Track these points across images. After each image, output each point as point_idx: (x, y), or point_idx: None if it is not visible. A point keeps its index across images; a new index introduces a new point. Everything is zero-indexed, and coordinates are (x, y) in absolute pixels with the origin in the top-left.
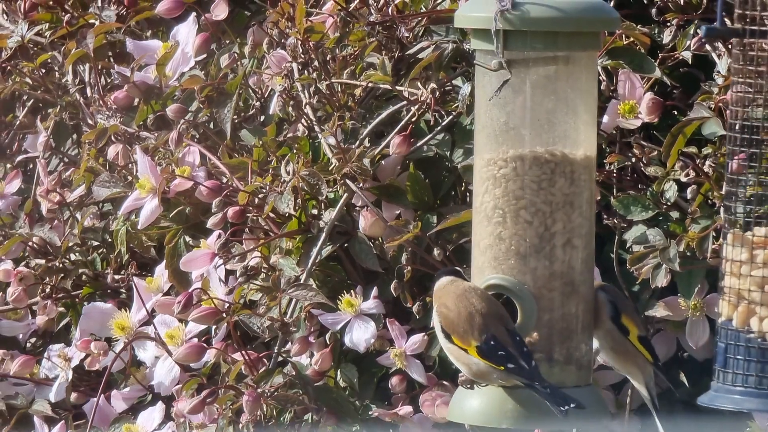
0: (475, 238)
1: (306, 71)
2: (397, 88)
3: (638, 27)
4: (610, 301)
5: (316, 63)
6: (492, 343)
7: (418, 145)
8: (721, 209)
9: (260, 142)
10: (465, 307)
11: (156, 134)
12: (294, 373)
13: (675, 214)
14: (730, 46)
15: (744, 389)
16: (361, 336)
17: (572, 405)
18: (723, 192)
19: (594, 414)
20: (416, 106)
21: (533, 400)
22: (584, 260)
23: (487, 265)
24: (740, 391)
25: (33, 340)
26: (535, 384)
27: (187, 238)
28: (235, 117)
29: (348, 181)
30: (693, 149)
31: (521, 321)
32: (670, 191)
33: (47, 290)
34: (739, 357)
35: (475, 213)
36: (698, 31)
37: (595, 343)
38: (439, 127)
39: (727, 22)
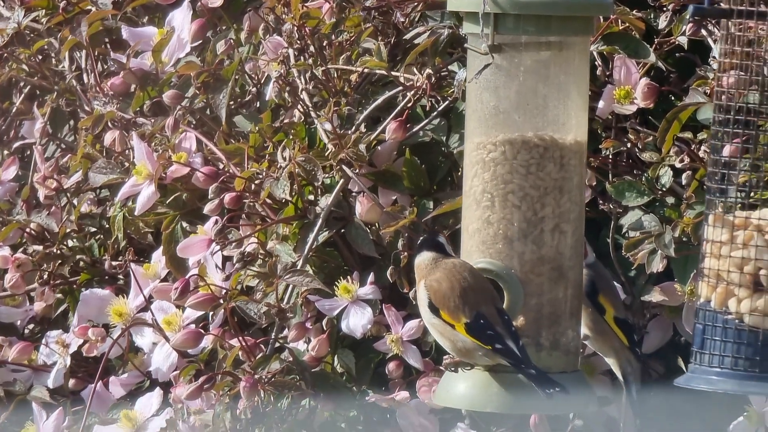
0: (464, 222)
1: (302, 57)
2: (393, 73)
3: (634, 12)
4: (590, 278)
5: (312, 49)
6: (481, 321)
7: (414, 130)
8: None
9: (256, 128)
10: (458, 282)
11: (152, 120)
12: (291, 358)
13: (670, 200)
14: (728, 28)
15: (720, 370)
16: (357, 322)
17: (557, 389)
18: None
19: (581, 399)
20: (412, 92)
21: (518, 384)
22: (573, 246)
23: (475, 249)
24: (716, 372)
25: (31, 326)
26: (521, 366)
27: (184, 224)
28: (232, 103)
29: (344, 166)
30: (688, 134)
31: (508, 305)
32: (666, 177)
33: (45, 276)
34: (716, 338)
35: (465, 197)
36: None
37: (582, 329)
38: (435, 113)
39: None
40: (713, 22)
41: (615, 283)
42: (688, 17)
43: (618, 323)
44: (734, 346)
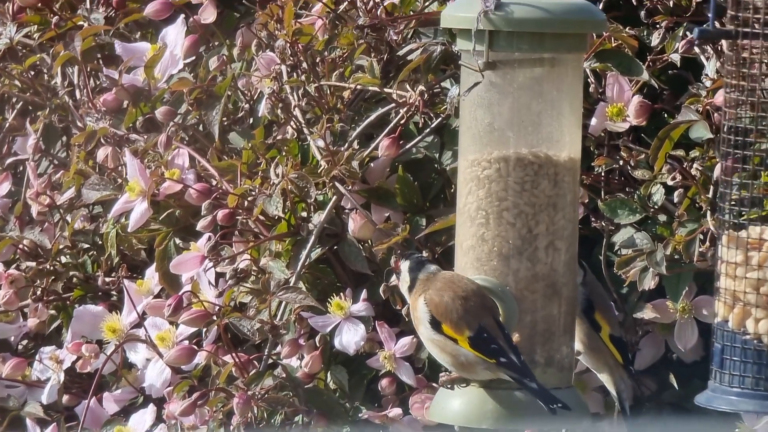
0: (458, 239)
1: (295, 73)
2: (386, 90)
3: (627, 29)
4: (586, 295)
5: (304, 65)
6: (484, 334)
7: (407, 147)
8: (708, 212)
9: (249, 145)
10: (458, 295)
11: (145, 137)
12: (284, 375)
13: (662, 218)
14: (719, 48)
15: (741, 390)
16: (350, 338)
17: (559, 405)
18: (710, 195)
19: (574, 415)
20: (405, 109)
21: (513, 401)
22: (566, 263)
23: (470, 266)
24: (737, 393)
25: (24, 342)
26: (525, 380)
27: (177, 241)
28: (224, 119)
29: (337, 183)
30: (680, 152)
31: (503, 322)
32: (658, 194)
33: (38, 293)
34: (735, 358)
35: (459, 214)
36: (687, 33)
37: (576, 345)
38: (428, 130)
39: (718, 24)
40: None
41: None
42: (688, 37)
43: (613, 341)
44: (754, 367)
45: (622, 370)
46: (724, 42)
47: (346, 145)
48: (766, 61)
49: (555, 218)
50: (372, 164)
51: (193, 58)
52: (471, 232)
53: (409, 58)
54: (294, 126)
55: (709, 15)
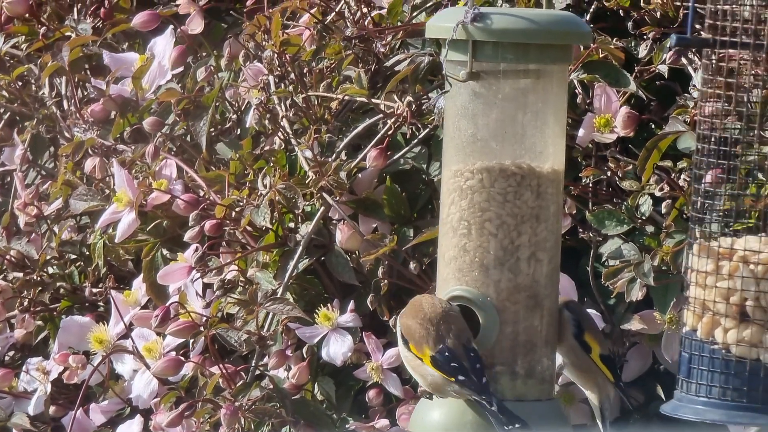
0: (441, 249)
1: (282, 84)
2: (374, 101)
3: (614, 40)
4: (574, 318)
5: (292, 76)
6: (446, 354)
7: (394, 158)
8: (691, 222)
9: (237, 156)
10: (423, 316)
11: (133, 147)
12: (271, 386)
13: (650, 228)
14: (704, 58)
15: (707, 400)
16: (338, 349)
17: (517, 425)
18: (691, 205)
19: (555, 428)
20: (393, 119)
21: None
22: (548, 274)
23: (452, 277)
24: (703, 402)
25: (11, 353)
26: (482, 398)
27: (165, 252)
28: (212, 130)
29: (325, 194)
30: (668, 163)
31: (483, 333)
32: (645, 205)
33: (25, 304)
34: (703, 368)
35: (442, 224)
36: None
37: (560, 359)
38: (415, 140)
39: (703, 34)
40: (694, 51)
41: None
42: (670, 46)
43: (603, 360)
44: (722, 376)
45: (611, 387)
46: (708, 51)
47: (334, 155)
48: (748, 71)
49: (537, 229)
50: (359, 175)
51: (181, 68)
52: (453, 242)
53: (396, 68)
54: (281, 137)
55: (693, 25)
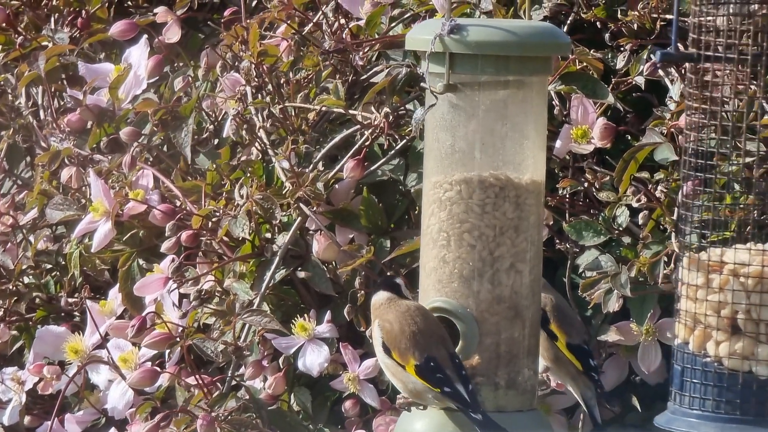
0: (421, 260)
1: (260, 95)
2: (351, 112)
3: (592, 52)
4: (541, 307)
5: (270, 86)
6: (431, 363)
7: (371, 169)
8: (672, 234)
9: (214, 166)
10: (408, 325)
11: (109, 157)
12: (248, 396)
13: (627, 240)
14: (683, 71)
15: (701, 413)
16: (314, 360)
17: None
18: (675, 217)
19: None
20: (370, 130)
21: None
22: (528, 285)
23: (432, 288)
24: (697, 415)
25: None
26: (469, 410)
27: (141, 262)
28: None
29: (302, 204)
30: (645, 174)
31: (463, 344)
32: (622, 216)
33: (0, 313)
34: (695, 380)
35: (422, 236)
36: (652, 56)
37: (541, 360)
38: (392, 151)
39: (681, 47)
40: (674, 64)
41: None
42: (652, 59)
43: (571, 349)
44: (715, 389)
45: (585, 378)
46: (688, 65)
47: (311, 166)
48: (729, 84)
49: (516, 240)
50: (337, 186)
51: (158, 78)
52: (433, 253)
53: (373, 80)
54: (259, 147)
55: (676, 39)
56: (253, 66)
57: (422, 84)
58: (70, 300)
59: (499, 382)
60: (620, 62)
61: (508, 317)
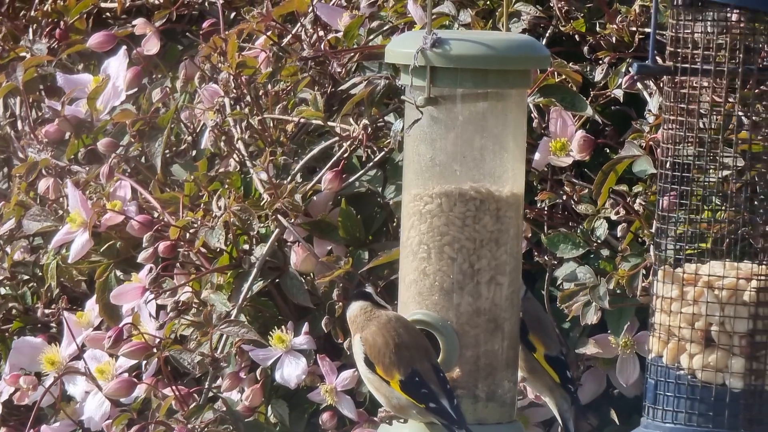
0: (401, 273)
1: (238, 106)
2: (329, 123)
3: (570, 65)
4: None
5: (248, 98)
6: (416, 379)
7: (349, 180)
8: (651, 246)
9: (192, 177)
10: (392, 338)
11: (87, 168)
12: (224, 408)
13: (605, 252)
14: (661, 84)
15: (674, 426)
16: (291, 372)
17: None
18: (653, 230)
19: None
20: (348, 142)
21: None
22: (509, 297)
23: (412, 301)
24: (670, 428)
25: None
26: (454, 427)
27: (118, 273)
28: (167, 151)
29: (279, 216)
30: (624, 187)
31: (444, 357)
32: (601, 229)
33: None
34: (669, 394)
35: (402, 248)
36: (630, 69)
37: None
38: (371, 163)
39: (659, 60)
40: (652, 77)
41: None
42: (631, 74)
43: (549, 361)
44: (688, 402)
45: (562, 390)
46: (666, 78)
47: (289, 178)
48: (706, 97)
49: (497, 253)
50: (315, 197)
51: (136, 89)
52: (413, 266)
53: (352, 91)
54: (237, 158)
55: (654, 52)
56: (232, 77)
57: (403, 97)
58: (47, 311)
59: (479, 394)
60: (599, 75)
61: (488, 330)
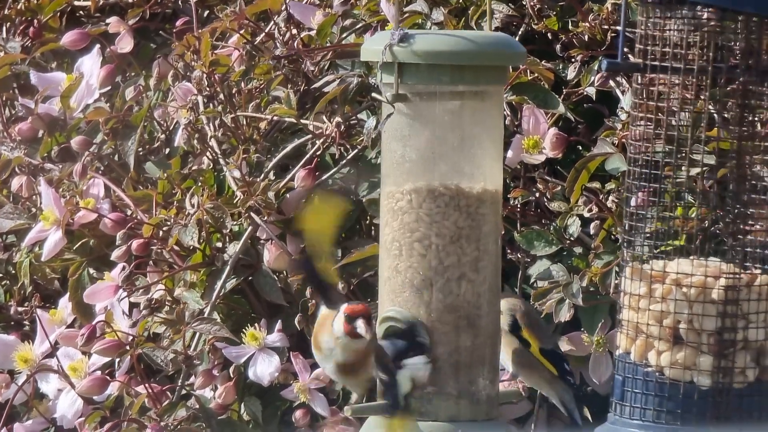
0: (379, 270)
1: (211, 104)
2: (303, 121)
3: (543, 62)
4: (511, 314)
5: (221, 96)
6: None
7: (323, 178)
8: (623, 244)
9: (165, 175)
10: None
11: (60, 166)
12: (197, 406)
13: (578, 250)
14: (633, 82)
15: (642, 423)
16: (265, 369)
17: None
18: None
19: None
20: (321, 140)
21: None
22: (482, 294)
23: (386, 298)
24: (638, 425)
25: None
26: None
27: (91, 271)
28: (140, 149)
29: (252, 214)
30: (596, 185)
31: None
32: (574, 226)
33: None
34: (637, 390)
35: (380, 245)
36: (602, 67)
37: (510, 366)
38: (344, 161)
39: (630, 57)
40: (623, 74)
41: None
42: (600, 70)
43: (545, 354)
44: (656, 399)
45: (561, 382)
46: (637, 75)
47: (262, 175)
48: (677, 95)
49: (467, 250)
50: (288, 195)
51: (110, 88)
52: (387, 263)
53: (325, 89)
54: (210, 156)
55: (623, 49)
56: (205, 75)
57: (373, 94)
58: (20, 309)
59: (450, 391)
60: (571, 73)
61: (460, 327)
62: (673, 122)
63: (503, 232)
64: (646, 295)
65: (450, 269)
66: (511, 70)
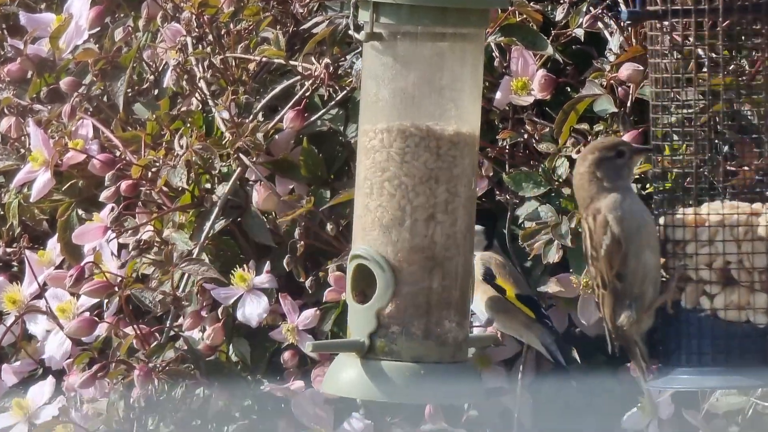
0: (354, 208)
1: (200, 45)
2: (291, 62)
3: (531, 4)
4: (484, 264)
5: (210, 37)
6: None
7: (311, 119)
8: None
9: (154, 116)
10: None
11: (49, 107)
12: (186, 347)
13: (567, 191)
14: (622, 25)
15: (701, 368)
16: (253, 310)
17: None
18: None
19: (466, 390)
20: (310, 81)
21: (408, 373)
22: (451, 236)
23: (358, 236)
24: (697, 371)
25: None
26: None
27: (80, 212)
28: (129, 90)
29: (241, 155)
30: (585, 126)
31: (378, 292)
32: (562, 168)
33: None
34: (692, 337)
35: (356, 184)
36: (591, 8)
37: (486, 312)
38: (332, 102)
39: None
40: (609, 15)
41: None
42: (591, 12)
43: (521, 299)
44: (713, 343)
45: (539, 325)
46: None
47: (251, 117)
48: (667, 37)
49: (437, 191)
50: (277, 136)
51: (99, 29)
52: (360, 201)
53: (314, 31)
54: (199, 97)
55: None
56: (194, 16)
57: (350, 32)
58: (9, 250)
59: (414, 332)
60: (560, 14)
61: (426, 267)
62: (665, 65)
63: (492, 174)
64: (692, 239)
65: (419, 210)
66: (499, 11)
